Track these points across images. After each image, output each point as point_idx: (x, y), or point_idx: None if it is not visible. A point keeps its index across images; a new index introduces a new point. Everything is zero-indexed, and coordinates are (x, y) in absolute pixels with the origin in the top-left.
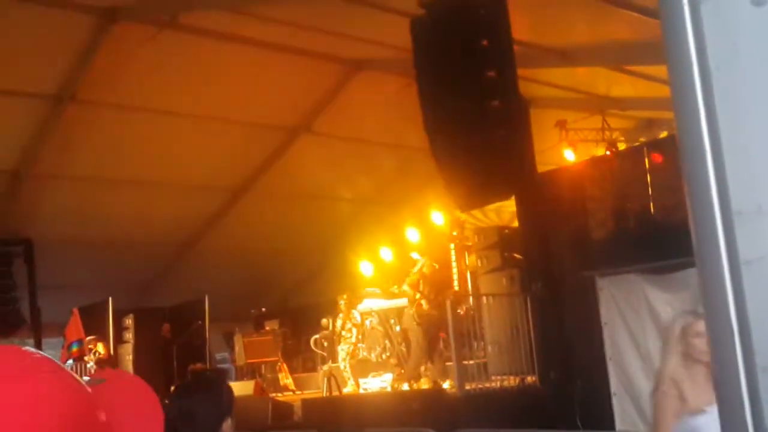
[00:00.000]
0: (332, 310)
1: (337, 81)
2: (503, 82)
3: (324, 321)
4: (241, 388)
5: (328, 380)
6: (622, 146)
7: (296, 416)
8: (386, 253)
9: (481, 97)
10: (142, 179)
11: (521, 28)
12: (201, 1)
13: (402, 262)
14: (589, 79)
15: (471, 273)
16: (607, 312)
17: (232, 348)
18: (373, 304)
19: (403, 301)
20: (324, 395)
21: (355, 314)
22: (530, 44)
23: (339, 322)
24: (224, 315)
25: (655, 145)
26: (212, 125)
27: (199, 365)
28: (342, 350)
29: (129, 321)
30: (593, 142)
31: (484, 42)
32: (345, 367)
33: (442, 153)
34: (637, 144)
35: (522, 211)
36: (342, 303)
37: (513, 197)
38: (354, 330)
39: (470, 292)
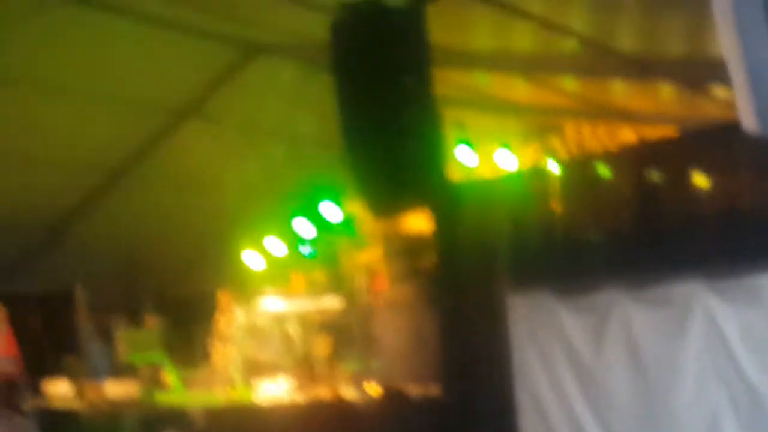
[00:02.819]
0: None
1: (231, 65)
2: (419, 90)
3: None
4: (124, 389)
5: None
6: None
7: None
8: (274, 245)
9: (396, 105)
10: (10, 154)
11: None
12: None
13: (292, 255)
14: (489, 83)
15: (367, 274)
16: (516, 330)
17: (108, 341)
18: (271, 304)
19: (303, 303)
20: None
21: (238, 313)
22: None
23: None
24: (97, 304)
25: (571, 164)
26: (94, 102)
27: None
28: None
29: None
30: (491, 143)
31: (401, 47)
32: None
33: (357, 161)
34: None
35: (435, 221)
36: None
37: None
38: (238, 330)
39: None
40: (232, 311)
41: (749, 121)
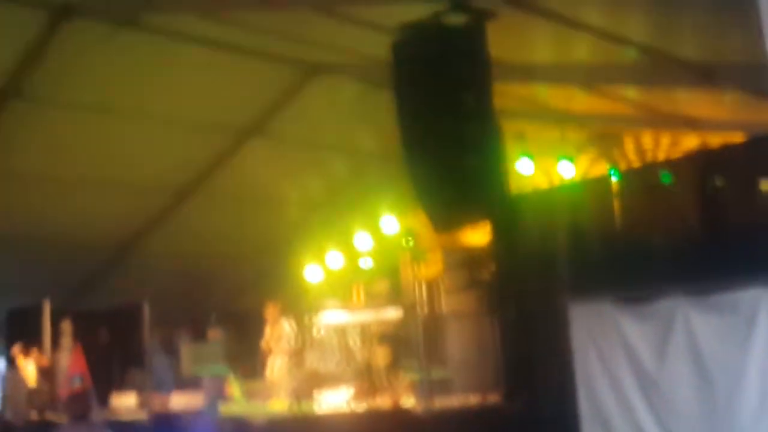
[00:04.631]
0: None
1: (292, 84)
2: (481, 107)
3: None
4: (188, 401)
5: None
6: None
7: None
8: (335, 259)
9: (457, 119)
10: (83, 178)
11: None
12: (165, 2)
13: (352, 269)
14: (549, 94)
15: (426, 285)
16: (577, 338)
17: (173, 354)
18: (332, 316)
19: (363, 315)
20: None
21: (286, 325)
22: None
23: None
24: (162, 319)
25: (632, 172)
26: (162, 125)
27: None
28: (273, 363)
29: (66, 326)
30: (552, 154)
31: (461, 64)
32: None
33: (419, 176)
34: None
35: (495, 232)
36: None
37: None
38: (284, 342)
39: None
40: (280, 323)
41: None
